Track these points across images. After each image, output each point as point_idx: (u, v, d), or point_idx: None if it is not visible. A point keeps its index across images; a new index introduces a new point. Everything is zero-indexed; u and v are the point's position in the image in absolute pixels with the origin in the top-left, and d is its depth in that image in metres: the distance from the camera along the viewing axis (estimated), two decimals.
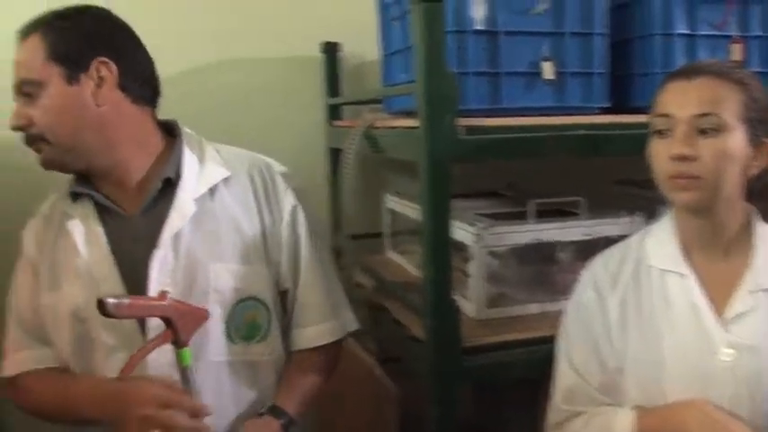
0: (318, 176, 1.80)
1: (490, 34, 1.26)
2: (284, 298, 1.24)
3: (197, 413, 1.06)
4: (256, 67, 1.78)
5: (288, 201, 1.23)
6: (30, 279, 1.21)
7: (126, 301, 1.06)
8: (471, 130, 1.13)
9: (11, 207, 1.39)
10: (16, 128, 1.14)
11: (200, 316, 1.09)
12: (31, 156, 1.17)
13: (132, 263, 1.14)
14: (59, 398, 1.16)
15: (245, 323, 1.18)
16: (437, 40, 1.06)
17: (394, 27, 1.56)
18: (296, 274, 1.23)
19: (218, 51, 1.75)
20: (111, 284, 1.12)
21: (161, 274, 1.13)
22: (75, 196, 1.19)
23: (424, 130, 1.09)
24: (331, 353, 1.26)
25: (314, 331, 1.24)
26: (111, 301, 1.04)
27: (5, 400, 1.30)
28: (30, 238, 1.22)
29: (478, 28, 1.25)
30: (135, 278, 1.14)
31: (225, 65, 1.77)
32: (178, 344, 1.08)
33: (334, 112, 1.78)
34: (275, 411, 1.17)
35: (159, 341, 1.09)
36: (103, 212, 1.18)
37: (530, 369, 1.19)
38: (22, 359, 1.21)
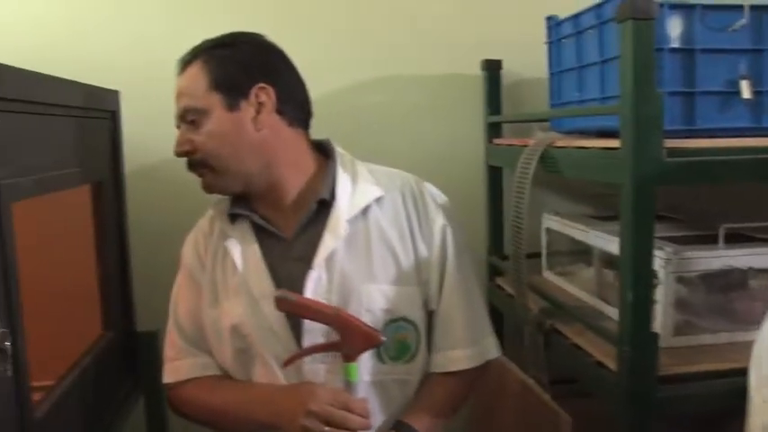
0: (476, 195, 1.79)
1: (686, 52, 1.21)
2: (430, 318, 1.24)
3: (366, 418, 1.10)
4: (414, 84, 1.78)
5: (438, 220, 1.23)
6: (190, 290, 1.25)
7: (293, 297, 1.09)
8: (672, 152, 1.08)
9: (172, 218, 1.43)
10: (181, 154, 1.18)
11: (373, 339, 1.11)
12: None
13: (288, 282, 1.17)
14: (232, 403, 1.19)
15: (394, 343, 1.19)
16: (646, 58, 1.03)
17: (565, 45, 1.53)
18: (440, 295, 1.22)
19: (375, 69, 1.77)
20: (270, 302, 1.14)
21: (315, 295, 1.15)
22: (234, 217, 1.22)
23: (630, 152, 1.05)
24: (468, 378, 1.25)
25: (452, 356, 1.23)
26: (278, 293, 1.10)
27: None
28: (190, 251, 1.27)
29: (674, 46, 1.21)
30: None
31: (381, 82, 1.78)
32: (346, 357, 1.10)
33: (493, 130, 1.75)
34: (402, 428, 1.17)
35: (327, 347, 1.12)
36: (260, 232, 1.22)
37: (727, 400, 1.13)
38: (182, 367, 1.25)
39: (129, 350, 1.44)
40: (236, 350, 1.19)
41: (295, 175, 1.21)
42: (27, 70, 0.99)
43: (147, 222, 1.63)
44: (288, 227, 1.21)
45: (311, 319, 1.12)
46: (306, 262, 1.17)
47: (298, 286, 1.15)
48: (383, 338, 1.11)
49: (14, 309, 0.91)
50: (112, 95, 1.42)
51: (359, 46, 1.75)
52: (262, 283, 1.17)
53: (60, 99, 1.13)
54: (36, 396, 0.99)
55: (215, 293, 1.22)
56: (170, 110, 1.21)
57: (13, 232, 0.91)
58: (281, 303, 1.09)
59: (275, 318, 1.15)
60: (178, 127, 1.21)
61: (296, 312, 1.11)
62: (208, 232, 1.26)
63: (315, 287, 1.15)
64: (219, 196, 1.26)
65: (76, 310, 1.32)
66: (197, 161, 1.18)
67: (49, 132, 1.10)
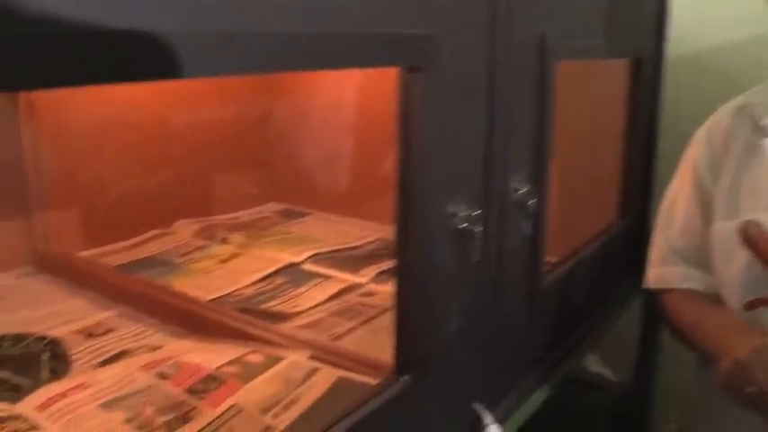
0: None
1: None
2: None
3: None
4: None
5: None
6: (691, 197, 1.07)
7: (753, 230, 0.84)
8: None
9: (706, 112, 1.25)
10: None
11: None
12: None
13: None
14: (700, 322, 1.03)
15: None
16: None
17: None
18: None
19: None
20: None
21: None
22: None
23: None
24: None
25: None
26: (746, 222, 0.86)
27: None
28: (701, 152, 1.07)
29: None
30: None
31: None
32: None
33: None
34: None
35: None
36: None
37: None
38: (666, 274, 1.12)
39: (638, 244, 1.36)
40: (746, 274, 0.99)
41: None
42: None
43: (679, 112, 1.49)
44: None
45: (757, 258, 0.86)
46: None
47: None
48: None
49: (542, 169, 0.88)
50: None
51: None
52: None
53: None
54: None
55: (735, 203, 1.03)
56: None
57: (553, 90, 0.88)
58: (741, 233, 0.86)
59: None
60: None
61: (747, 246, 0.87)
62: (731, 128, 1.05)
63: None
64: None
65: (593, 189, 1.28)
66: None
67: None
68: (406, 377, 0.71)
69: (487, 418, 0.86)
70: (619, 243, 1.26)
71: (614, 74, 1.24)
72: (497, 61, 0.75)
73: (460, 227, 0.70)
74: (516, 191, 0.82)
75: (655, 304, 1.18)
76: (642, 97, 1.26)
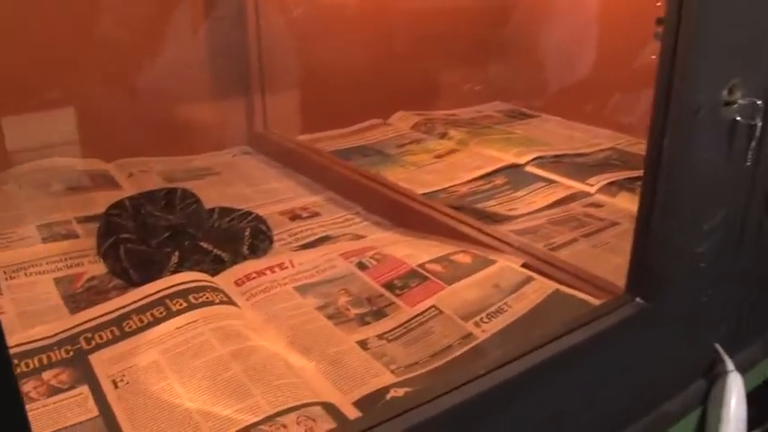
0: None
1: None
2: None
3: None
4: None
5: None
6: None
7: None
8: None
9: None
10: None
11: None
12: None
13: None
14: None
15: None
16: None
17: None
18: None
19: None
20: None
21: None
22: None
23: None
24: None
25: None
26: None
27: None
28: None
29: None
30: None
31: None
32: None
33: None
34: None
35: None
36: None
37: None
38: None
39: None
40: None
41: None
42: None
43: None
44: None
45: None
46: None
47: None
48: None
49: None
50: None
51: None
52: None
53: None
54: None
55: None
56: None
57: None
58: None
59: None
60: None
61: None
62: None
63: None
64: None
65: None
66: None
67: None
68: (639, 300, 0.59)
69: (729, 363, 0.71)
70: None
71: None
72: None
73: (734, 118, 0.55)
74: None
75: None
76: None
